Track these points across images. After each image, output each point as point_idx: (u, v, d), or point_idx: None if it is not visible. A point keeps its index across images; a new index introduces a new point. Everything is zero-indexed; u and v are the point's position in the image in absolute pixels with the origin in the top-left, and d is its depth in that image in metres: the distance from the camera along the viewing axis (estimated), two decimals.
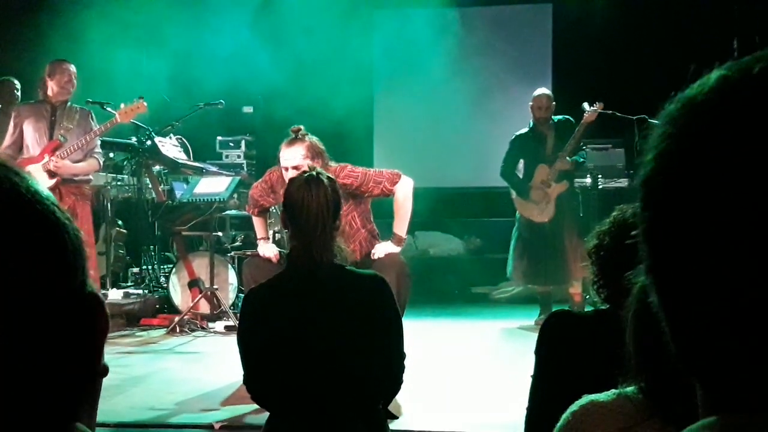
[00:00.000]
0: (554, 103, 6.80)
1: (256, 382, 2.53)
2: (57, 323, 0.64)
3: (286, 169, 4.52)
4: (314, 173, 2.60)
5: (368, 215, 4.67)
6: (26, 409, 0.63)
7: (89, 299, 0.67)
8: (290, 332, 2.44)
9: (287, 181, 2.71)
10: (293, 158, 4.47)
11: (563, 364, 1.99)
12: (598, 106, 6.62)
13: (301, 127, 4.57)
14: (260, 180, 5.01)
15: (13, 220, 0.62)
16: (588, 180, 7.31)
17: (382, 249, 4.50)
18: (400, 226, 4.61)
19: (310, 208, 2.51)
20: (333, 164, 4.57)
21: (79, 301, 0.66)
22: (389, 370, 2.51)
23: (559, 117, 6.86)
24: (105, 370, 0.71)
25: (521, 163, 6.89)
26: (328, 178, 2.62)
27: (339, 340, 2.43)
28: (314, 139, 4.55)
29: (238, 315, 2.63)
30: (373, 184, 4.53)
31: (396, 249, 4.49)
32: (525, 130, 6.86)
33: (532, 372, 2.11)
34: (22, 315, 0.62)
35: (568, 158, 6.60)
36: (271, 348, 2.46)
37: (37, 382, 0.64)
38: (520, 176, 6.85)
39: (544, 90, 6.85)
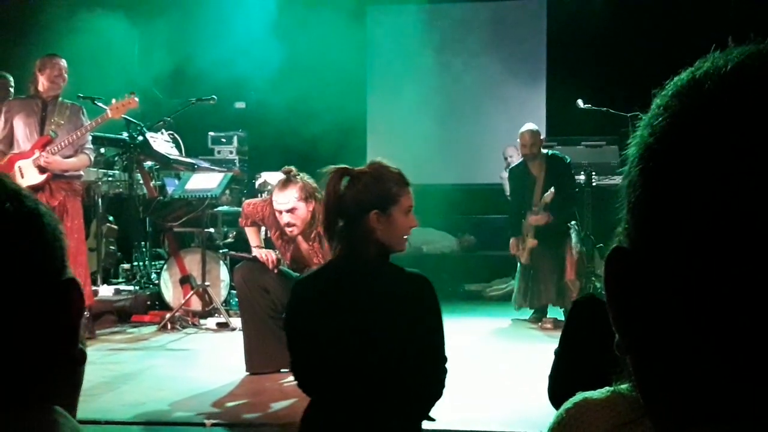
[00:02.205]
0: (542, 137, 6.76)
1: (300, 370, 2.54)
2: (32, 306, 0.67)
3: (280, 212, 4.64)
4: (349, 168, 2.55)
5: None
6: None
7: (66, 284, 0.70)
8: (333, 324, 2.43)
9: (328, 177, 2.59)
10: (287, 202, 4.61)
11: (585, 346, 2.09)
12: (550, 194, 6.52)
13: (293, 168, 4.71)
14: (256, 201, 5.16)
15: None
16: (582, 177, 7.31)
17: None
18: None
19: (347, 203, 2.47)
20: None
21: (56, 285, 0.69)
22: (429, 370, 2.47)
23: (554, 153, 6.81)
24: (81, 356, 0.73)
25: None
26: (365, 173, 2.55)
27: (378, 335, 2.41)
28: (306, 178, 4.67)
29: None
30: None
31: None
32: (518, 164, 6.89)
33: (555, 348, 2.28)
34: None
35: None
36: (315, 337, 2.46)
37: (10, 362, 0.66)
38: None
39: (527, 126, 6.76)
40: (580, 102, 6.99)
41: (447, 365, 2.51)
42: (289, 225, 4.63)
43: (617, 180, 7.58)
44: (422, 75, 9.65)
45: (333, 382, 2.44)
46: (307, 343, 2.48)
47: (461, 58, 9.73)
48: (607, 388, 0.89)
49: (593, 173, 7.36)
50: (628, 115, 6.72)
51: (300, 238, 4.73)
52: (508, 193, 7.13)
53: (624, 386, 0.88)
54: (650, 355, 0.53)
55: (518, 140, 6.78)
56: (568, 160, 6.75)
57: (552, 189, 6.44)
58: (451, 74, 9.69)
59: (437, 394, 2.53)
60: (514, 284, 6.93)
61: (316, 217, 4.63)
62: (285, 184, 4.64)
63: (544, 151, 6.75)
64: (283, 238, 4.82)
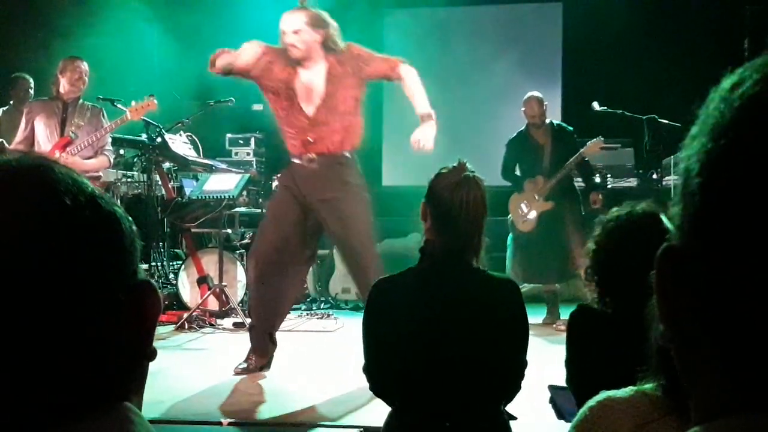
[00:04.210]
0: (546, 103, 6.78)
1: (375, 373, 2.51)
2: (111, 309, 0.69)
3: (285, 33, 4.50)
4: (471, 173, 2.51)
5: (361, 107, 4.74)
6: (78, 388, 0.68)
7: (142, 285, 0.72)
8: (417, 328, 2.41)
9: (444, 179, 2.52)
10: (294, 23, 4.49)
11: (588, 354, 2.21)
12: (598, 142, 6.61)
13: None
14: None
15: (76, 215, 0.68)
16: (597, 179, 7.32)
17: (427, 135, 4.69)
18: (425, 104, 4.72)
19: (469, 210, 2.44)
20: (341, 43, 4.64)
21: (133, 288, 0.71)
22: (510, 375, 2.47)
23: (559, 123, 6.82)
24: (153, 354, 0.75)
25: (518, 170, 6.88)
26: (482, 179, 2.54)
27: (465, 340, 2.39)
28: (322, 12, 4.59)
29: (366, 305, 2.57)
30: (380, 60, 4.70)
31: (434, 128, 4.69)
32: (518, 133, 6.85)
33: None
34: (80, 302, 0.67)
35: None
36: (395, 340, 2.43)
37: (89, 363, 0.68)
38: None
39: (532, 94, 6.79)
40: (595, 104, 6.98)
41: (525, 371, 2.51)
42: (292, 46, 4.52)
43: (633, 182, 7.58)
44: (437, 78, 9.64)
45: (415, 387, 2.42)
46: (388, 346, 2.46)
47: (476, 61, 9.73)
48: (631, 387, 0.92)
49: (608, 175, 7.35)
50: (644, 117, 6.71)
51: (305, 70, 4.63)
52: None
53: (648, 386, 0.91)
54: (693, 346, 0.55)
55: (523, 109, 6.77)
56: (571, 129, 6.78)
57: (600, 138, 6.51)
58: (466, 77, 9.69)
59: (511, 398, 2.54)
60: (507, 256, 6.87)
61: (330, 45, 4.60)
62: (296, 9, 4.57)
63: (548, 120, 6.77)
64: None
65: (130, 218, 0.73)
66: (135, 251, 0.73)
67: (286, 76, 4.65)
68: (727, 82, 0.55)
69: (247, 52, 4.60)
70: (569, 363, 2.30)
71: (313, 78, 4.66)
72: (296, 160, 4.71)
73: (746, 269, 0.50)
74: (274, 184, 7.60)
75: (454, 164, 2.54)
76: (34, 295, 0.65)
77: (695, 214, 0.54)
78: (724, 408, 0.52)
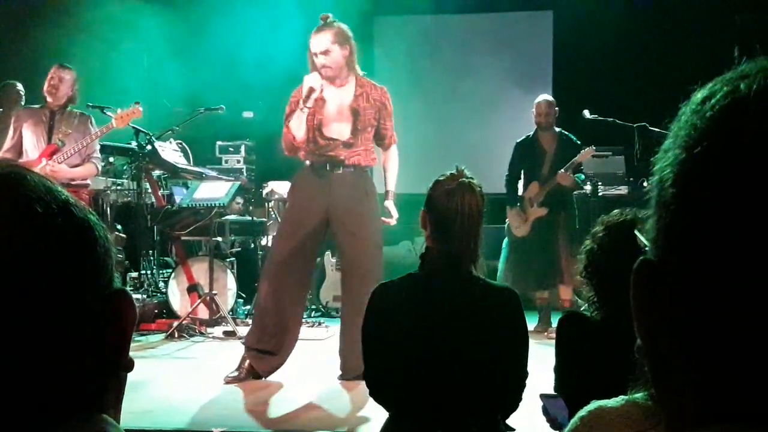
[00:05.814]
0: (557, 108, 6.82)
1: (375, 378, 2.50)
2: (85, 318, 0.68)
3: (316, 55, 4.66)
4: (466, 180, 2.51)
5: (373, 142, 4.92)
6: (53, 399, 0.67)
7: (117, 295, 0.71)
8: (415, 334, 2.41)
9: (440, 187, 2.52)
10: (321, 44, 4.64)
11: (576, 360, 2.23)
12: (590, 150, 6.62)
13: (330, 15, 4.75)
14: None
15: (48, 223, 0.67)
16: (588, 187, 7.32)
17: (391, 211, 4.90)
18: (393, 182, 5.04)
19: (464, 217, 2.43)
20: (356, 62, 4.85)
21: (107, 296, 0.70)
22: (509, 385, 2.46)
23: (568, 134, 6.84)
24: (130, 364, 0.74)
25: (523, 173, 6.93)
26: (478, 186, 2.54)
27: (464, 349, 2.38)
28: (343, 26, 4.72)
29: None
30: (391, 125, 4.94)
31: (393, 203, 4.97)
32: (526, 137, 6.89)
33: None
34: (53, 311, 0.66)
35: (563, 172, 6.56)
36: (394, 347, 2.43)
37: (64, 373, 0.67)
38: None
39: (544, 96, 6.91)
40: (586, 112, 7.00)
41: (527, 381, 2.50)
42: (324, 67, 4.68)
43: (624, 190, 7.59)
44: (428, 85, 9.67)
45: (412, 393, 2.41)
46: (387, 351, 2.45)
47: (467, 69, 9.74)
48: (622, 396, 0.90)
49: (599, 183, 7.36)
50: (635, 125, 6.73)
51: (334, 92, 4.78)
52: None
53: (639, 395, 0.89)
54: (668, 359, 0.56)
55: (533, 110, 6.82)
56: (579, 143, 6.81)
57: (592, 147, 6.53)
58: (456, 84, 9.70)
59: (513, 408, 2.51)
60: (500, 260, 6.89)
61: (353, 61, 4.81)
62: (320, 28, 4.70)
63: (557, 129, 6.80)
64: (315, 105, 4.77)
65: (104, 226, 0.73)
66: (109, 259, 0.71)
67: (315, 109, 4.77)
68: (697, 96, 0.56)
69: (300, 130, 4.75)
70: (558, 369, 2.29)
71: (344, 98, 4.81)
72: (325, 169, 4.79)
73: (722, 277, 0.51)
74: (264, 191, 7.59)
75: (452, 171, 2.53)
76: (2, 302, 0.64)
77: (670, 224, 0.55)
78: (696, 420, 0.53)
